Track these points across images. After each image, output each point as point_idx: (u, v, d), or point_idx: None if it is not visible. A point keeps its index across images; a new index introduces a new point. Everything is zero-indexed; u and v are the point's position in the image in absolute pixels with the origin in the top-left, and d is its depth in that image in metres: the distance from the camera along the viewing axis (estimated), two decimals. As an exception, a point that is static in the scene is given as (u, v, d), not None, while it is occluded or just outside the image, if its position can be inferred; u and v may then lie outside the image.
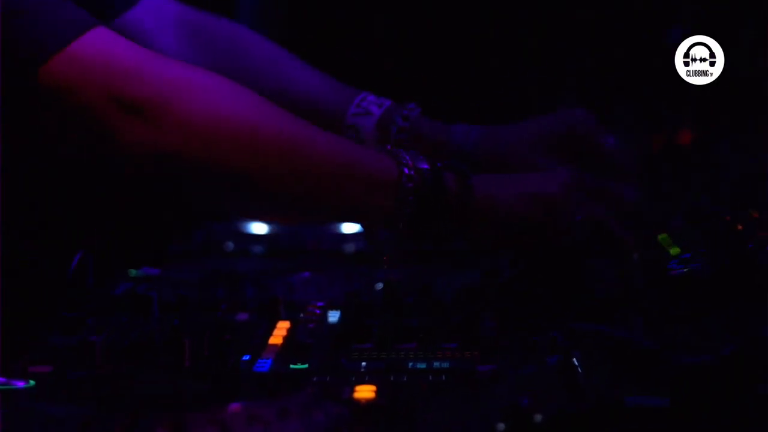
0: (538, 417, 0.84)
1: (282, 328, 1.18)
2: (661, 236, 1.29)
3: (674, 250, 1.25)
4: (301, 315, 1.21)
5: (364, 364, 1.06)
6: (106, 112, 1.14)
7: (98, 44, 1.15)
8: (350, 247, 1.69)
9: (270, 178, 1.19)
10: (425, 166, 1.22)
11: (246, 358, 1.09)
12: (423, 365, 1.05)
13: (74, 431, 0.86)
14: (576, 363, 0.99)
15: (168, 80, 1.17)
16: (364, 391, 0.95)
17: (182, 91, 1.17)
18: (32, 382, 1.00)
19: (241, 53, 1.43)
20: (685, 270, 1.20)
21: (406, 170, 1.21)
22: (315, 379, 1.01)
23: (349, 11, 2.30)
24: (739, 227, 1.22)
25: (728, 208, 1.32)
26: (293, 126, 1.21)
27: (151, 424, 0.85)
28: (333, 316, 1.24)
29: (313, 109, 1.37)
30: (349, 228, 1.77)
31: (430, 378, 1.01)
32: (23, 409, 0.93)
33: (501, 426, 0.84)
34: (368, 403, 0.93)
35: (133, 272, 1.44)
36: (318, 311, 1.21)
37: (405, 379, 1.01)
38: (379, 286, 1.39)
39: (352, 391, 0.95)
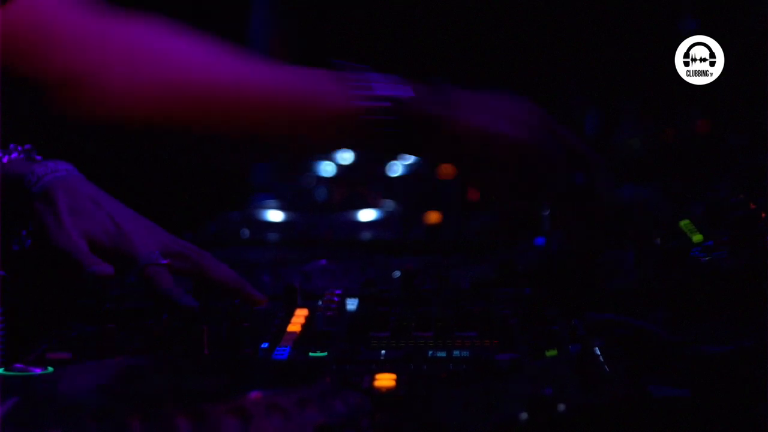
0: (562, 406, 0.83)
1: (300, 316, 1.17)
2: (683, 222, 1.28)
3: (697, 237, 1.24)
4: (319, 303, 1.21)
5: (383, 352, 1.05)
6: (38, 82, 1.14)
7: (30, 10, 1.15)
8: (366, 236, 1.68)
9: (210, 126, 1.25)
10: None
11: (264, 346, 1.08)
12: (442, 354, 1.04)
13: (92, 419, 0.85)
14: (598, 352, 0.98)
15: (91, 53, 1.17)
16: (385, 380, 0.94)
17: (104, 62, 1.18)
18: (50, 369, 0.99)
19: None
20: (708, 258, 1.19)
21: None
22: (334, 367, 1.01)
23: (357, 20, 2.30)
24: (763, 215, 1.21)
25: (751, 196, 1.31)
26: (230, 68, 1.25)
27: (169, 412, 0.85)
28: (351, 304, 1.23)
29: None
30: (366, 216, 1.77)
31: (451, 367, 1.01)
32: (41, 396, 0.92)
33: (524, 415, 0.83)
34: (388, 392, 0.93)
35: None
36: (336, 299, 1.21)
37: (425, 367, 1.00)
38: (397, 274, 1.39)
39: (372, 379, 0.95)
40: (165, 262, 1.18)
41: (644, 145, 1.99)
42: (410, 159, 1.99)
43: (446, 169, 1.91)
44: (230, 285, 1.21)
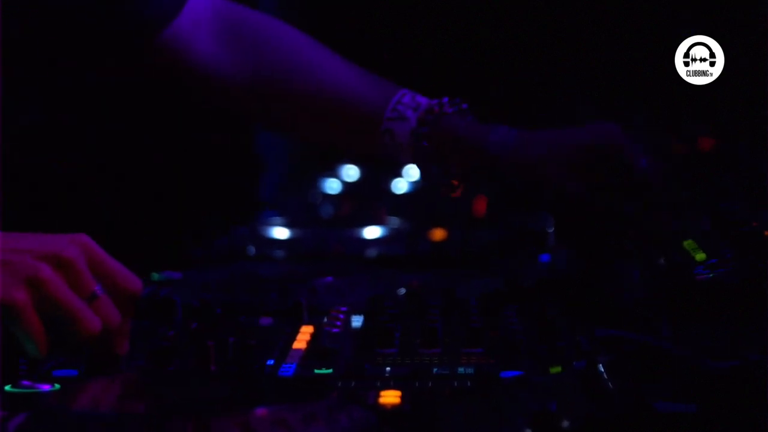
0: (566, 423, 0.84)
1: (306, 332, 1.18)
2: (687, 242, 1.29)
3: (700, 256, 1.24)
4: (325, 319, 1.21)
5: (388, 369, 1.06)
6: None
7: None
8: (372, 252, 1.69)
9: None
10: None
11: (270, 362, 1.09)
12: (447, 371, 1.05)
13: (99, 435, 0.86)
14: (602, 369, 0.98)
15: None
16: (390, 397, 0.95)
17: None
18: (57, 386, 1.00)
19: (274, 50, 1.44)
20: (711, 275, 1.19)
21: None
22: (340, 384, 1.01)
23: (357, 20, 2.30)
24: (766, 233, 1.21)
25: (753, 213, 1.31)
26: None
27: (176, 429, 0.85)
28: (356, 321, 1.23)
29: (348, 110, 1.38)
30: (372, 233, 1.77)
31: (455, 384, 1.01)
32: (49, 413, 0.93)
33: (529, 431, 0.83)
34: (394, 409, 0.93)
35: (155, 276, 1.44)
36: (342, 316, 1.21)
37: (430, 384, 1.01)
38: (402, 291, 1.39)
39: (378, 396, 0.95)
40: None
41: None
42: (416, 176, 1.99)
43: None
44: None
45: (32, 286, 1.01)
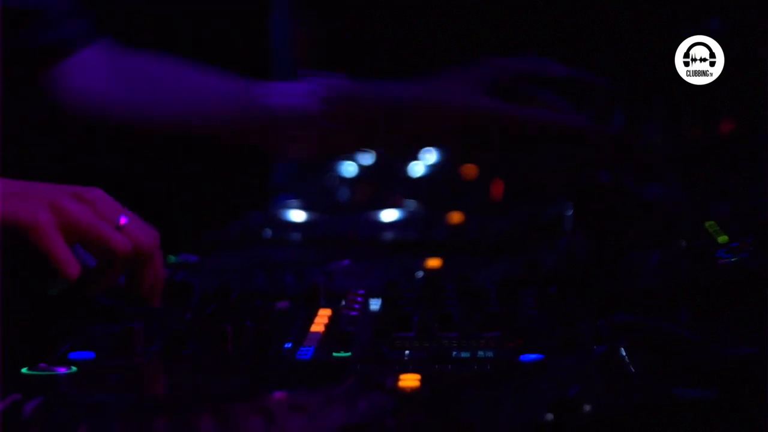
0: (587, 407, 0.83)
1: (323, 315, 1.17)
2: (709, 223, 1.28)
3: (722, 239, 1.24)
4: (343, 303, 1.20)
5: (407, 352, 1.05)
6: None
7: None
8: (389, 236, 1.68)
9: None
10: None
11: (288, 346, 1.08)
12: (467, 354, 1.04)
13: (116, 419, 0.85)
14: (623, 353, 0.97)
15: None
16: (409, 380, 0.94)
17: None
18: (74, 369, 0.99)
19: (157, 88, 1.48)
20: (734, 259, 1.19)
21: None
22: (358, 367, 1.00)
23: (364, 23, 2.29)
24: None
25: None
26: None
27: (194, 412, 0.85)
28: (374, 304, 1.23)
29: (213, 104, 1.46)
30: (389, 216, 1.76)
31: (475, 367, 1.00)
32: (65, 396, 0.93)
33: (549, 416, 0.83)
34: (413, 392, 0.92)
35: (172, 259, 1.43)
36: (359, 299, 1.20)
37: (449, 368, 1.00)
38: (420, 274, 1.39)
39: (397, 380, 0.94)
40: None
41: (668, 144, 1.98)
42: (433, 159, 1.98)
43: (469, 170, 1.91)
44: None
45: (55, 211, 1.00)
